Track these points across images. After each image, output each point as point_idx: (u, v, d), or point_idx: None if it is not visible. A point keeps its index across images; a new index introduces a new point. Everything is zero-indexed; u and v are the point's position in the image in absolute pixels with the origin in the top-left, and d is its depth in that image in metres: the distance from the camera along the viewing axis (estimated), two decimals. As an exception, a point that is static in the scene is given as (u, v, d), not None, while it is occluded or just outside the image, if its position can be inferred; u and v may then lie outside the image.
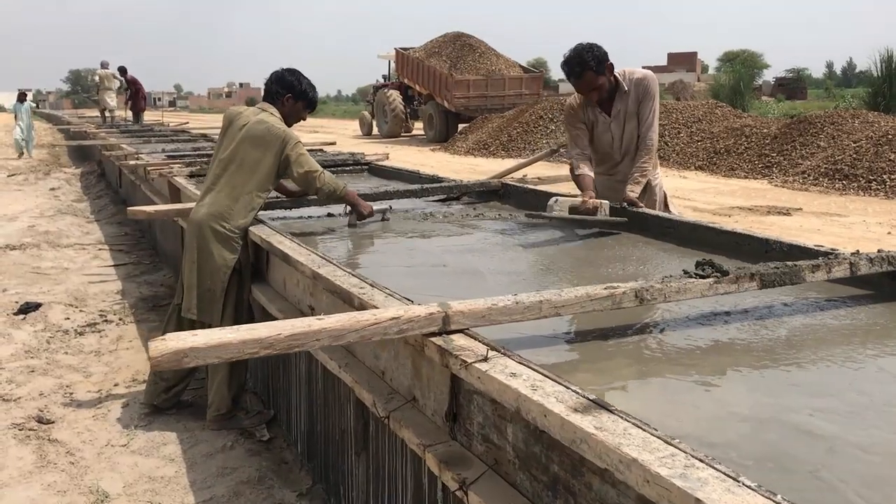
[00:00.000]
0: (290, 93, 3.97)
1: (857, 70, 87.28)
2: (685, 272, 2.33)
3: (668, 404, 1.79)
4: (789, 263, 2.44)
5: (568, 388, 1.60)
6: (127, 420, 3.99)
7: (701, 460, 1.29)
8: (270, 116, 3.90)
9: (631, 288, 2.21)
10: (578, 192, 4.11)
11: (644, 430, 1.41)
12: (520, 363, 1.77)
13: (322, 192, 4.02)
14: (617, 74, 4.05)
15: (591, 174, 4.13)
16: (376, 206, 4.44)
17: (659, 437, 1.38)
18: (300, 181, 3.97)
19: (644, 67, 4.46)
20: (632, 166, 4.13)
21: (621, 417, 1.46)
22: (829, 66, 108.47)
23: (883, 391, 1.86)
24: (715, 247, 3.36)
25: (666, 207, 4.39)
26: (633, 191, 4.00)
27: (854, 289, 2.72)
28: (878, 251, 2.61)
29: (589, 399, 1.54)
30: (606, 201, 3.91)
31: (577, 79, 3.95)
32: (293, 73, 4.03)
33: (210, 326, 3.72)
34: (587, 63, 3.89)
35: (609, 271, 3.14)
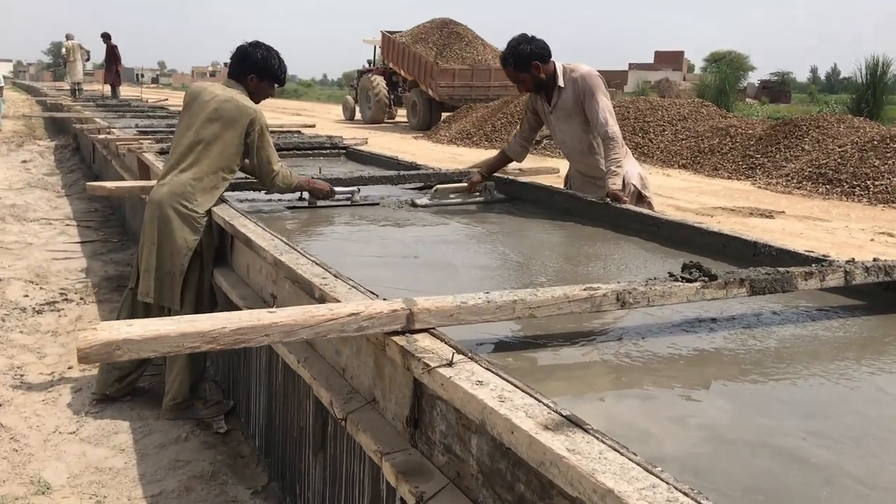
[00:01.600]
0: (253, 72, 3.75)
1: (840, 76, 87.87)
2: (671, 275, 2.18)
3: (648, 421, 1.63)
4: (781, 270, 2.29)
5: (539, 401, 1.44)
6: (78, 405, 3.79)
7: (685, 494, 1.13)
8: (239, 94, 3.69)
9: (612, 290, 2.05)
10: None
11: (622, 454, 1.25)
12: (487, 369, 1.61)
13: (275, 188, 3.87)
14: (560, 67, 4.13)
15: (508, 155, 4.59)
16: (345, 189, 4.31)
17: (638, 464, 1.22)
18: (256, 171, 3.79)
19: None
20: (597, 162, 4.20)
21: (597, 438, 1.30)
22: (814, 71, 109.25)
23: (882, 414, 1.72)
24: (700, 248, 3.21)
25: (640, 201, 4.24)
26: (615, 183, 3.92)
27: (846, 298, 2.58)
28: (874, 260, 2.47)
29: (562, 415, 1.38)
30: (491, 183, 4.58)
31: (503, 69, 4.25)
32: (256, 47, 3.78)
33: (169, 312, 3.54)
34: (507, 59, 4.12)
35: (589, 270, 2.98)
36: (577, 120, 4.13)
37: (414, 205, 4.39)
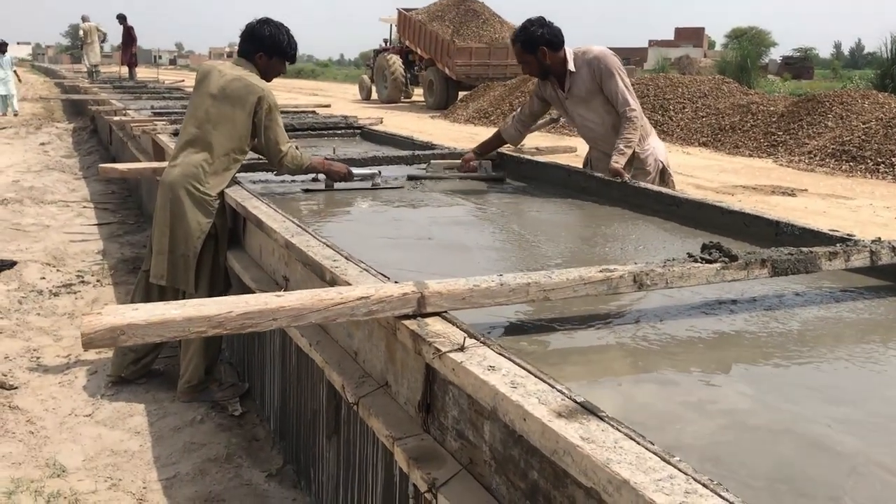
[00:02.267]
0: (262, 50, 3.67)
1: (864, 52, 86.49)
2: (690, 255, 2.12)
3: (666, 408, 1.58)
4: (804, 249, 2.22)
5: (553, 387, 1.39)
6: (94, 388, 3.79)
7: (705, 485, 1.08)
8: (247, 73, 3.62)
9: (629, 271, 1.99)
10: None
11: (638, 442, 1.20)
12: (500, 354, 1.56)
13: (284, 169, 3.77)
14: (570, 52, 4.07)
15: (502, 137, 4.57)
16: (364, 170, 4.21)
17: (655, 453, 1.17)
18: (264, 151, 3.71)
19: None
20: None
21: (612, 426, 1.25)
22: (837, 46, 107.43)
23: (909, 400, 1.66)
24: (720, 228, 3.14)
25: (663, 181, 4.17)
26: (618, 161, 3.88)
27: (871, 279, 2.51)
28: (901, 239, 2.39)
29: (576, 402, 1.33)
30: (488, 162, 4.62)
31: (512, 46, 4.25)
32: (265, 24, 3.70)
33: (184, 294, 3.52)
34: (517, 37, 4.09)
35: (606, 251, 2.92)
36: (597, 101, 4.05)
37: (410, 178, 4.44)
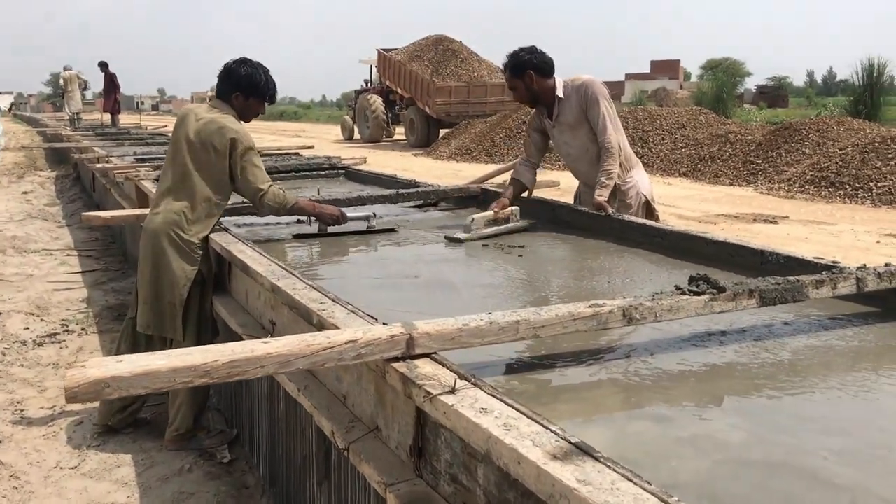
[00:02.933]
0: (238, 90, 3.61)
1: (837, 79, 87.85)
2: (678, 288, 2.12)
3: (661, 444, 1.56)
4: (791, 279, 2.23)
5: (546, 428, 1.37)
6: (80, 439, 3.72)
7: (705, 525, 1.07)
8: (223, 116, 3.56)
9: (618, 306, 1.98)
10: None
11: (636, 483, 1.18)
12: (492, 395, 1.54)
13: (266, 209, 3.63)
14: (560, 81, 4.09)
15: (523, 183, 4.33)
16: (356, 212, 4.09)
17: (653, 494, 1.15)
18: (244, 193, 3.60)
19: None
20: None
21: (608, 467, 1.23)
22: (810, 74, 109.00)
23: (905, 428, 1.65)
24: (706, 258, 3.15)
25: (649, 213, 4.18)
26: (601, 195, 3.89)
27: (858, 305, 2.51)
28: (886, 265, 2.41)
29: (571, 442, 1.31)
30: (517, 207, 4.16)
31: (504, 75, 4.22)
32: (242, 64, 3.63)
33: (172, 343, 3.47)
34: (507, 63, 4.09)
35: (594, 284, 2.92)
36: (582, 130, 4.06)
37: (454, 240, 3.85)
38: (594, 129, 4.00)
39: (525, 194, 4.39)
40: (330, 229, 3.95)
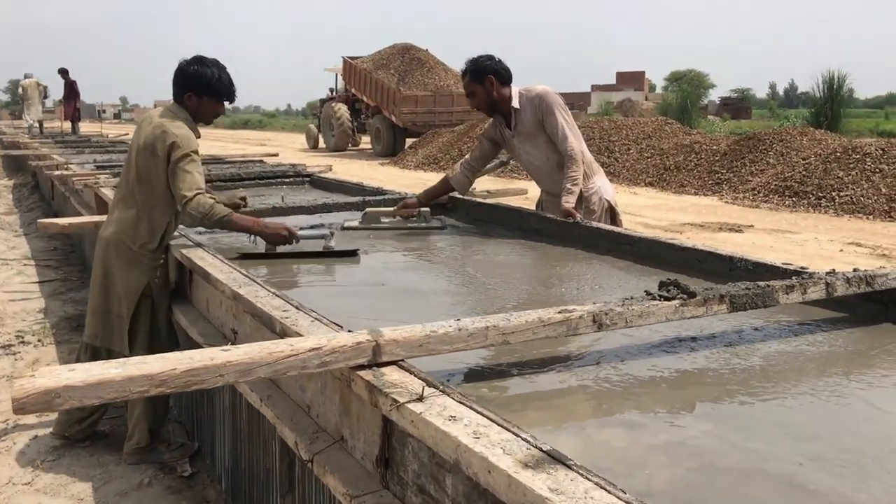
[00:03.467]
0: (190, 89, 3.39)
1: (798, 91, 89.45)
2: (647, 293, 2.08)
3: (634, 452, 1.52)
4: (761, 284, 2.21)
5: (517, 436, 1.33)
6: (34, 454, 3.60)
7: (682, 535, 1.02)
8: (171, 119, 3.36)
9: (588, 311, 1.95)
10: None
11: (610, 492, 1.14)
12: (460, 402, 1.49)
13: (188, 218, 3.28)
14: (515, 91, 4.09)
15: (450, 185, 4.47)
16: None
17: (628, 503, 1.11)
18: (175, 199, 3.30)
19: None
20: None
21: (581, 475, 1.19)
22: (773, 86, 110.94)
23: (879, 433, 1.62)
24: (674, 264, 3.13)
25: (613, 218, 4.18)
26: (568, 201, 3.89)
27: (827, 311, 2.50)
28: (854, 270, 2.40)
29: (542, 450, 1.27)
30: (427, 209, 4.36)
31: (462, 80, 4.24)
32: (193, 63, 3.41)
33: (119, 355, 3.36)
34: (466, 69, 4.10)
35: (562, 291, 2.89)
36: (540, 139, 4.07)
37: (344, 228, 4.20)
38: (553, 139, 4.01)
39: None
40: (280, 249, 3.50)
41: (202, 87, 3.39)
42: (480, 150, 4.41)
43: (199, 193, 3.24)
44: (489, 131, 4.35)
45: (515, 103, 4.06)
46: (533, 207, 4.53)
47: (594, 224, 3.79)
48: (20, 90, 20.23)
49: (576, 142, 3.99)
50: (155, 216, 3.36)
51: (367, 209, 4.36)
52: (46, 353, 5.05)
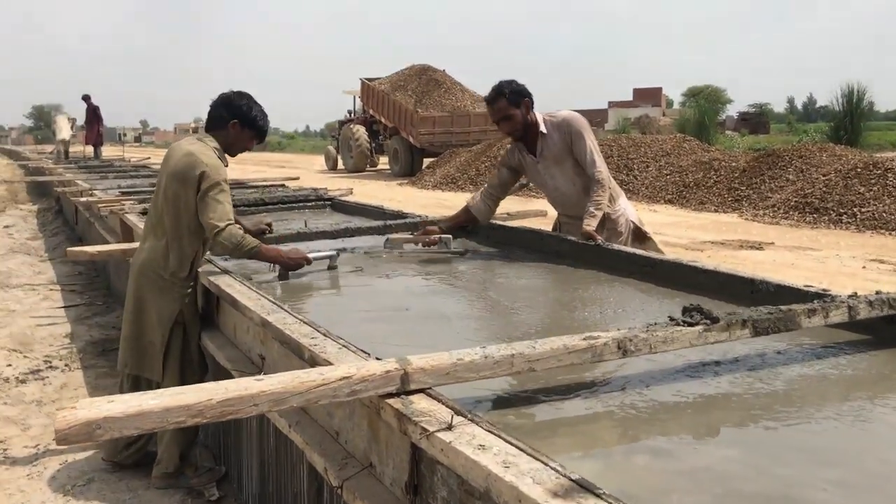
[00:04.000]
0: (237, 117, 3.50)
1: (817, 105, 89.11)
2: (671, 319, 2.11)
3: (661, 479, 1.55)
4: (783, 308, 2.23)
5: (546, 465, 1.35)
6: (65, 479, 3.65)
7: (711, 564, 1.05)
8: (203, 147, 3.44)
9: (613, 338, 1.97)
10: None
11: (639, 520, 1.17)
12: (489, 431, 1.53)
13: (219, 247, 3.37)
14: (540, 116, 4.09)
15: (472, 214, 4.46)
16: (321, 253, 3.90)
17: (658, 532, 1.14)
18: (205, 228, 3.36)
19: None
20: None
21: (610, 504, 1.22)
22: (791, 101, 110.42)
23: (904, 458, 1.64)
24: (696, 287, 3.15)
25: (640, 242, 4.19)
26: (590, 224, 3.89)
27: (850, 333, 2.51)
28: (877, 293, 2.41)
29: (571, 479, 1.29)
30: (449, 236, 4.28)
31: (490, 105, 4.11)
32: (243, 96, 3.56)
33: (154, 383, 3.41)
34: (502, 91, 4.02)
35: (585, 315, 2.91)
36: (567, 164, 4.08)
37: (368, 254, 4.32)
38: (581, 163, 4.02)
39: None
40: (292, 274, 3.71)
41: (247, 120, 3.52)
42: (499, 177, 4.42)
43: (229, 224, 3.33)
44: (507, 159, 4.35)
45: (543, 128, 4.06)
46: (550, 229, 4.57)
47: (615, 246, 3.82)
48: (53, 125, 21.15)
49: (604, 167, 4.02)
50: (184, 245, 3.41)
51: (389, 236, 4.40)
52: (74, 378, 5.12)
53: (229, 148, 3.56)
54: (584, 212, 3.96)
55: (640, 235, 4.23)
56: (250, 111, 3.52)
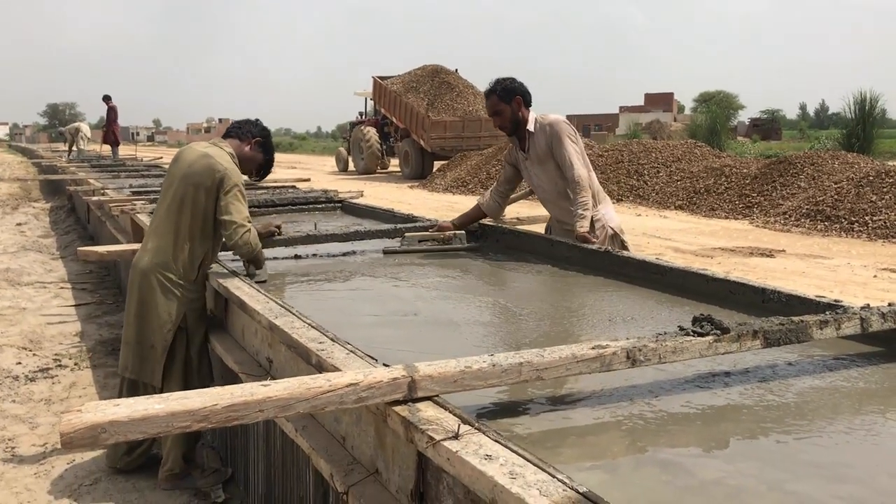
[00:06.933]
0: (259, 137, 3.70)
1: (829, 112, 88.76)
2: (681, 328, 2.09)
3: (671, 493, 1.53)
4: (795, 319, 2.21)
5: (553, 476, 1.34)
6: (72, 478, 3.65)
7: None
8: (219, 151, 3.50)
9: (622, 347, 1.96)
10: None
11: (647, 536, 1.15)
12: (496, 441, 1.51)
13: (240, 248, 3.43)
14: (533, 116, 4.24)
15: (482, 211, 4.67)
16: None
17: (665, 548, 1.12)
18: (224, 228, 3.40)
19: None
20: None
21: (618, 518, 1.20)
22: (803, 107, 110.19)
23: (917, 474, 1.62)
24: (706, 295, 3.13)
25: (618, 246, 4.21)
26: (582, 226, 4.00)
27: (862, 345, 2.49)
28: (890, 304, 2.39)
29: (578, 492, 1.28)
30: (462, 232, 4.62)
31: (486, 100, 4.32)
32: (269, 131, 3.82)
33: (153, 388, 3.40)
34: (495, 88, 4.20)
35: (595, 322, 2.89)
36: (549, 165, 4.20)
37: (385, 252, 4.52)
38: (561, 167, 4.12)
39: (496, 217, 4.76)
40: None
41: (266, 147, 3.74)
42: (504, 174, 4.60)
43: (249, 228, 3.43)
44: (508, 155, 4.53)
45: (531, 127, 4.21)
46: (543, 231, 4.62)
47: (625, 253, 3.80)
48: (78, 132, 21.81)
49: (583, 169, 4.10)
50: (194, 246, 3.41)
51: (406, 234, 4.62)
52: (83, 377, 5.12)
53: (242, 161, 3.64)
54: (567, 214, 4.07)
55: (617, 244, 4.25)
56: (271, 143, 3.81)
